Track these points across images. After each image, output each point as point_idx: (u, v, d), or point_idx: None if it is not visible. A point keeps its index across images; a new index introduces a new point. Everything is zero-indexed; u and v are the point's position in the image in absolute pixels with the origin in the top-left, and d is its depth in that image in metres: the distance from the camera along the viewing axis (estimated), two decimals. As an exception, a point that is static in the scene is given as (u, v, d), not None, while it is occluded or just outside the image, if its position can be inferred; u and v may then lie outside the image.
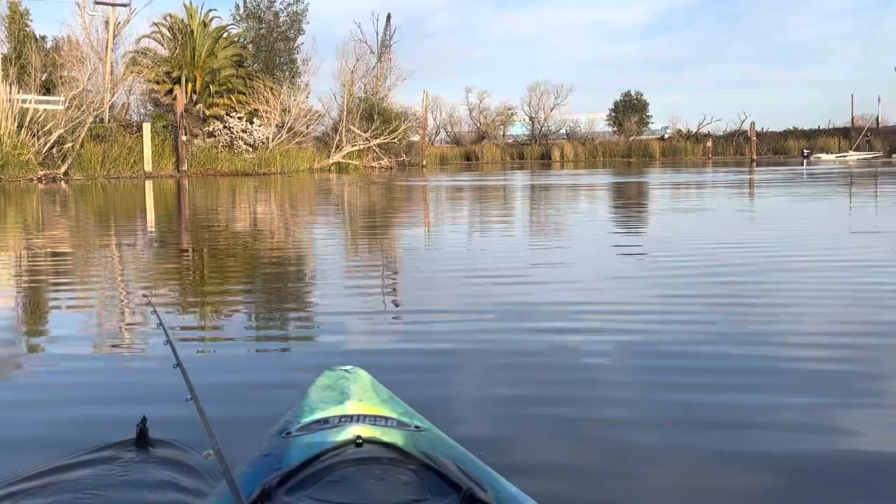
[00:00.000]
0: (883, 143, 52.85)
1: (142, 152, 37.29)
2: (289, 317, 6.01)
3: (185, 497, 2.54)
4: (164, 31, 47.05)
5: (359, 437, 1.64)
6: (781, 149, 59.50)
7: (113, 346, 5.12)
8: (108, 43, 42.30)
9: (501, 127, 69.38)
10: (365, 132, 47.82)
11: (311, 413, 1.94)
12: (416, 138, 55.54)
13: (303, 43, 53.44)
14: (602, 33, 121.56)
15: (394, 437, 1.72)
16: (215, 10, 50.08)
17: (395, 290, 6.95)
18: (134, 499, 2.61)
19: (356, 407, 1.94)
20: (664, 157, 60.08)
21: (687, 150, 61.47)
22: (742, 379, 3.93)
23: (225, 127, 43.13)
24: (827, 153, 51.42)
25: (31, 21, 42.09)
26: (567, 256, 9.16)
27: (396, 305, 6.23)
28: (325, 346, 4.97)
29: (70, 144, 34.08)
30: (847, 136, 57.73)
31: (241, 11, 52.73)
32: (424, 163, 53.32)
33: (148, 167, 37.13)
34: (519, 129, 69.84)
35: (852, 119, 61.28)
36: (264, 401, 3.62)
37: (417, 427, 1.89)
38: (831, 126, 61.94)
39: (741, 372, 4.05)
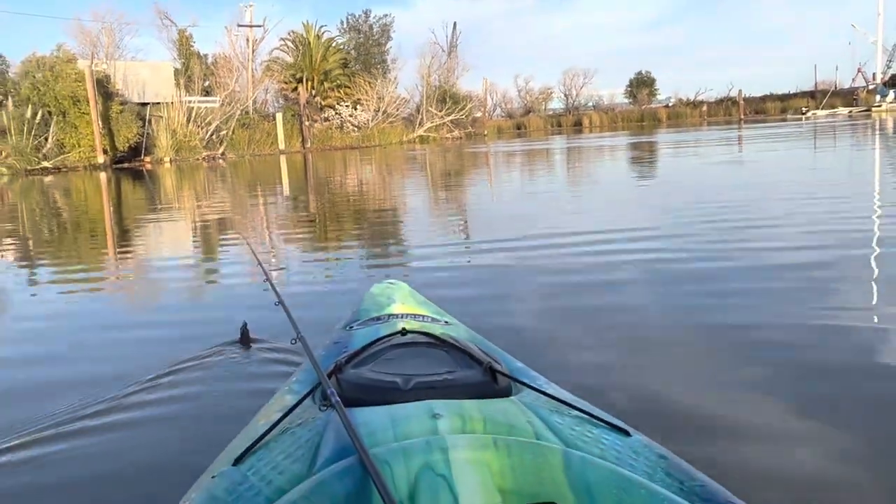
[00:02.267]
0: (841, 102, 50.04)
1: (276, 135, 37.76)
2: (363, 243, 6.15)
3: (281, 378, 2.68)
4: (289, 43, 47.21)
5: (403, 328, 1.62)
6: (762, 110, 56.88)
7: (228, 272, 5.35)
8: (249, 55, 42.68)
9: (543, 103, 67.96)
10: (440, 112, 47.40)
11: (367, 313, 1.98)
12: (478, 114, 54.86)
13: (391, 47, 52.99)
14: (617, 28, 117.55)
15: (430, 328, 1.72)
16: (325, 25, 50.08)
17: (456, 223, 6.98)
18: (245, 382, 2.74)
19: (400, 308, 1.97)
20: (669, 120, 58.04)
21: (686, 114, 59.19)
22: (737, 282, 3.83)
23: (336, 113, 43.25)
24: (820, 110, 48.15)
25: (195, 42, 42.66)
26: (599, 195, 9.09)
27: (463, 235, 6.25)
28: (386, 265, 5.09)
29: (225, 132, 34.70)
30: (813, 97, 54.87)
31: (345, 25, 52.49)
32: (486, 132, 52.68)
33: (281, 146, 37.62)
34: (556, 104, 68.36)
35: (815, 84, 58.25)
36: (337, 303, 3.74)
37: (447, 322, 1.91)
38: (798, 91, 58.96)
39: (737, 276, 3.96)
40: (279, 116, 38.60)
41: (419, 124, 46.86)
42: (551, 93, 67.36)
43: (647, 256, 4.78)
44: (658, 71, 76.13)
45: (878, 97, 46.35)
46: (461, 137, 47.38)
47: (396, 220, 7.99)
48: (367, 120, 43.53)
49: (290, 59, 46.96)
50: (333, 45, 48.63)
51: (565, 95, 66.76)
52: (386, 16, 53.25)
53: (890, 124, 26.78)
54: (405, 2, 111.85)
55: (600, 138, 32.26)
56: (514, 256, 5.01)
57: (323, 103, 44.44)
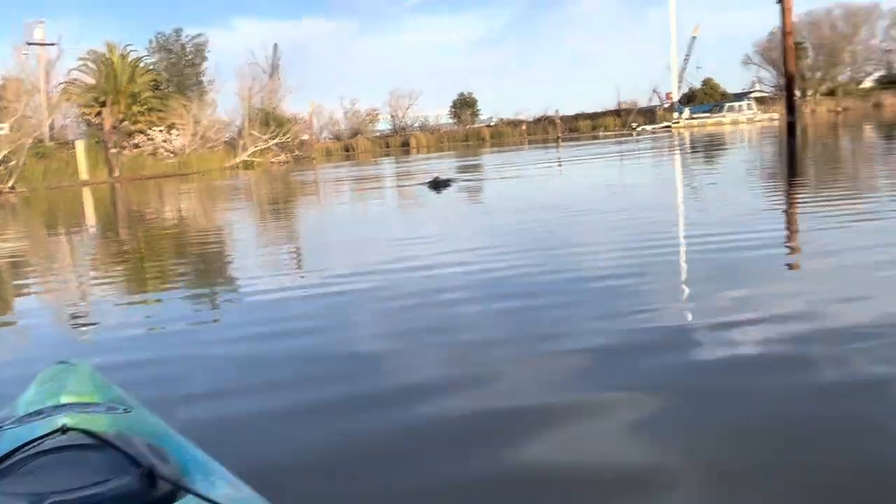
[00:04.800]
0: (644, 120, 53.83)
1: (77, 165, 33.97)
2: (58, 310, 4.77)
3: None
4: (90, 63, 43.04)
5: (65, 424, 1.39)
6: (575, 128, 59.84)
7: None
8: (42, 76, 38.32)
9: (370, 124, 67.68)
10: (264, 135, 45.35)
11: (28, 405, 1.65)
12: (305, 137, 53.32)
13: (207, 68, 50.14)
14: (439, 50, 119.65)
15: (97, 422, 1.47)
16: (132, 44, 45.88)
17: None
18: None
19: (69, 397, 1.66)
20: (492, 139, 59.68)
21: (508, 133, 61.20)
22: (553, 296, 4.00)
23: (148, 139, 39.93)
24: (647, 126, 50.17)
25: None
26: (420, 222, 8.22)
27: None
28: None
29: (14, 162, 30.62)
30: (619, 115, 58.72)
31: (154, 45, 48.89)
32: (314, 156, 51.19)
33: (84, 176, 33.81)
34: (384, 125, 68.38)
35: (618, 103, 62.54)
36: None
37: (126, 410, 1.64)
38: (605, 110, 62.79)
39: (552, 291, 4.16)
40: (80, 144, 34.82)
41: (242, 148, 44.48)
42: (378, 114, 67.35)
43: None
44: (479, 92, 77.94)
45: (675, 114, 50.43)
46: (288, 161, 45.63)
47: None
48: (184, 145, 40.57)
49: (91, 81, 42.82)
50: (142, 65, 45.08)
51: (392, 116, 66.98)
52: (199, 35, 50.19)
53: (690, 139, 28.76)
54: (221, 22, 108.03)
55: (427, 160, 32.01)
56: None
57: (133, 128, 40.86)
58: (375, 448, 2.22)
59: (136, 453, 1.27)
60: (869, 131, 22.92)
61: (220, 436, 2.31)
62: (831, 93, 53.21)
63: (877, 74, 60.68)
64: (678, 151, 21.28)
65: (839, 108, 43.42)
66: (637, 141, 32.52)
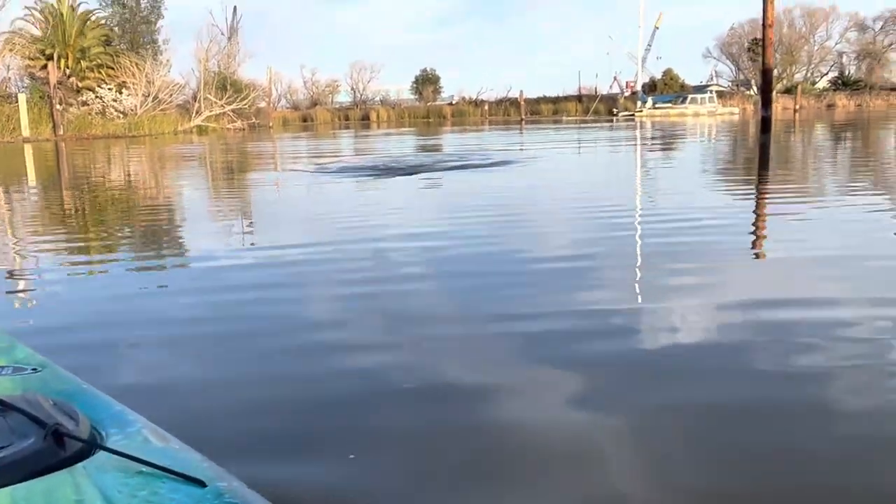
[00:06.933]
0: (606, 106, 53.74)
1: (19, 120, 32.02)
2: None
3: None
4: (36, 13, 40.63)
5: None
6: (537, 111, 59.34)
7: None
8: (-18, 24, 35.96)
9: (330, 95, 66.20)
10: (220, 100, 43.63)
11: None
12: (262, 104, 51.64)
13: (163, 26, 47.93)
14: (403, 25, 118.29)
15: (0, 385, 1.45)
16: (83, -4, 43.43)
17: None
18: None
19: None
20: (453, 117, 58.84)
21: (469, 112, 60.45)
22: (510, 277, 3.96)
23: (97, 97, 37.95)
24: (624, 111, 50.08)
25: None
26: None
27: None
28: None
29: (-51, 114, 28.70)
30: (581, 101, 58.48)
31: (107, -1, 46.40)
32: (271, 124, 49.64)
33: (26, 133, 31.91)
34: (344, 97, 67.03)
35: (579, 89, 62.31)
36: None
37: (34, 370, 1.56)
38: (565, 94, 62.43)
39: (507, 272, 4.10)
40: (22, 98, 32.81)
41: (196, 113, 42.72)
42: (338, 85, 65.88)
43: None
44: (442, 69, 76.91)
45: (639, 103, 50.45)
46: (244, 129, 44.07)
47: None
48: (135, 106, 38.70)
49: (38, 32, 40.43)
50: (93, 18, 42.75)
51: (352, 89, 65.58)
52: (155, -9, 47.88)
53: (659, 128, 28.51)
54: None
55: (387, 136, 31.10)
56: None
57: (80, 85, 38.77)
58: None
59: (40, 413, 1.19)
60: (835, 131, 22.97)
61: (171, 411, 2.17)
62: (787, 91, 53.90)
63: (830, 76, 62.03)
64: (665, 141, 20.83)
65: (796, 107, 43.88)
66: (613, 128, 32.07)
